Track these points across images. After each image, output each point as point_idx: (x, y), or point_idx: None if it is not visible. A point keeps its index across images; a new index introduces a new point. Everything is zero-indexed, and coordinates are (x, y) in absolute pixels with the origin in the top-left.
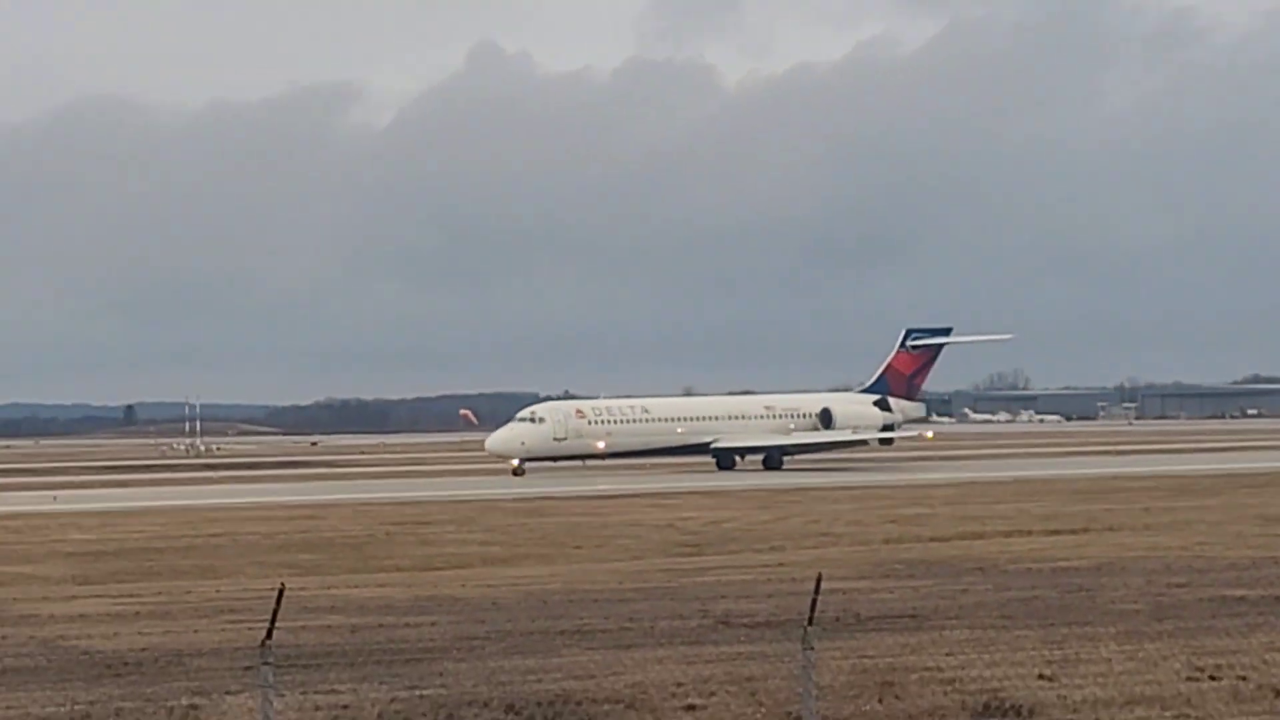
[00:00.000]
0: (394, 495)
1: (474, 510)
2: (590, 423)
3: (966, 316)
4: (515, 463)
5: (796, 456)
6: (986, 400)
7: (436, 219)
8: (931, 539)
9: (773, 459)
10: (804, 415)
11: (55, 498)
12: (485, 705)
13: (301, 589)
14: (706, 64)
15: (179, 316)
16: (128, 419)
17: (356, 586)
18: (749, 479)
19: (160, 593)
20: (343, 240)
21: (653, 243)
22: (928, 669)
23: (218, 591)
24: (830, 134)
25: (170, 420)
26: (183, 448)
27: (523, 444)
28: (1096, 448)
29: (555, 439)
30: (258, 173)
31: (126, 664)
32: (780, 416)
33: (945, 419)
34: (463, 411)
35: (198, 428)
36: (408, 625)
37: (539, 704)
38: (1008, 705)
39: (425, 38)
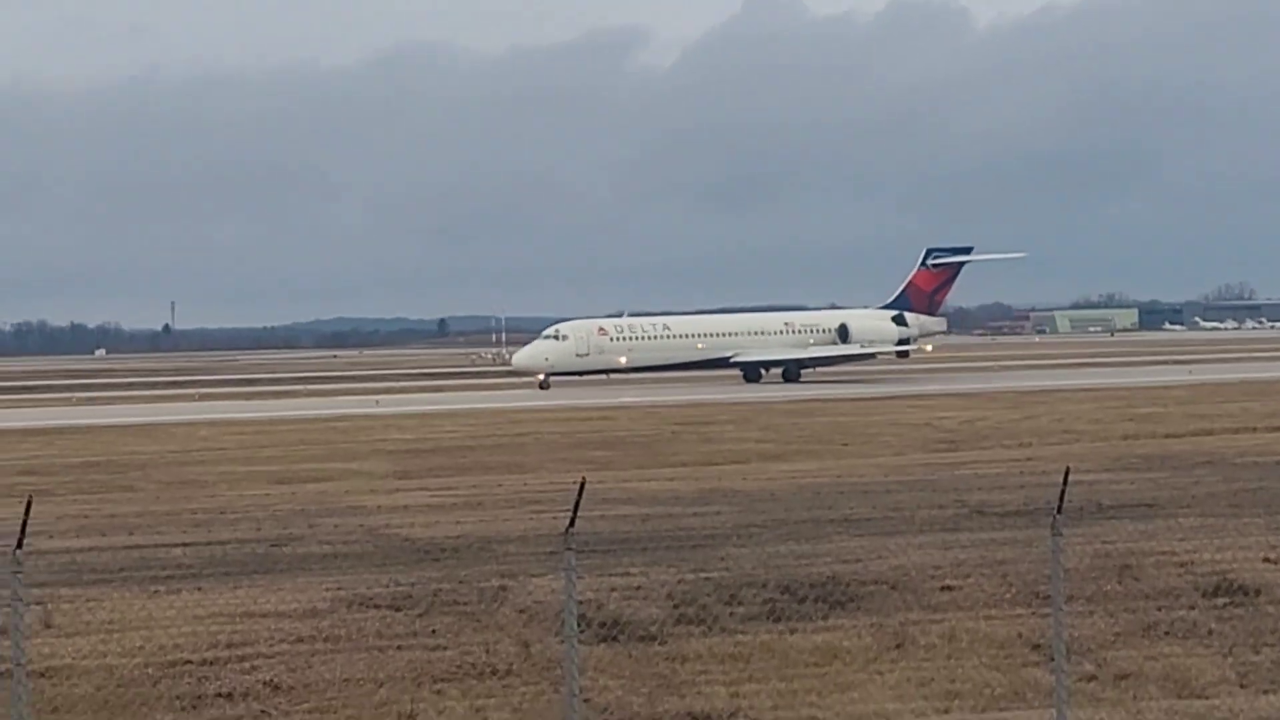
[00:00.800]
0: (679, 399)
1: (750, 411)
2: (612, 339)
3: (1199, 233)
4: (541, 377)
5: (815, 369)
6: (1215, 309)
7: (714, 150)
8: (1166, 435)
9: (790, 372)
10: (824, 330)
11: (378, 401)
12: (763, 586)
13: (599, 482)
14: (960, 6)
15: (486, 238)
16: (441, 331)
17: (646, 480)
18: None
19: (472, 486)
20: (630, 171)
21: (907, 172)
22: (1162, 553)
23: (525, 485)
24: (1073, 72)
25: (478, 332)
26: (490, 356)
27: (546, 359)
28: None
29: (578, 355)
30: (555, 111)
31: (443, 549)
32: (799, 332)
33: (1177, 327)
34: None
35: (503, 338)
36: (693, 515)
37: (811, 585)
38: (1235, 586)
39: None
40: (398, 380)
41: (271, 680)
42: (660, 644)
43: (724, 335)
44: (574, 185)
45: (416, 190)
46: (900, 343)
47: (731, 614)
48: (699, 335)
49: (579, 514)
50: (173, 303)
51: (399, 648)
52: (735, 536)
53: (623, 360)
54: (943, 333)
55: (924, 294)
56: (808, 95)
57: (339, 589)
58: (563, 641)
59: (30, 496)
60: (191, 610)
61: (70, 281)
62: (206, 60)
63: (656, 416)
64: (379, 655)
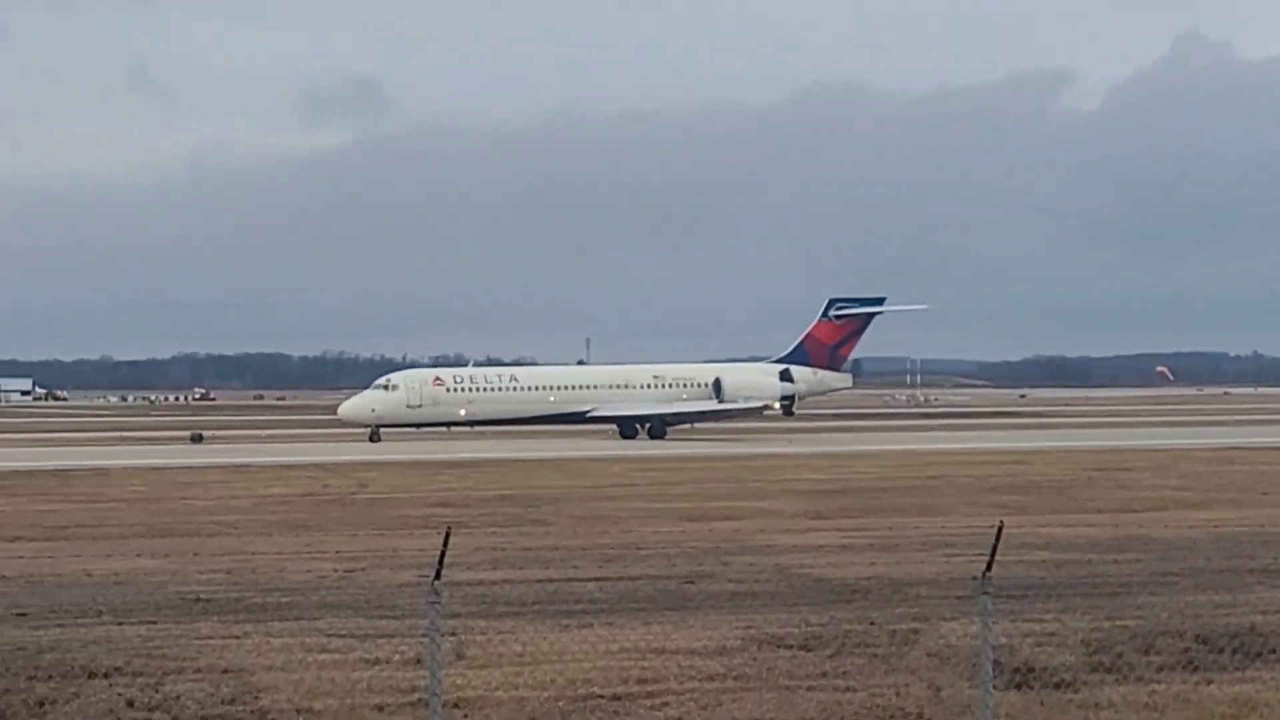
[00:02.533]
0: (1095, 444)
1: (1169, 458)
2: (449, 390)
3: None
4: (370, 430)
5: (680, 426)
6: None
7: (1132, 193)
8: None
9: (655, 428)
10: (698, 385)
11: (790, 441)
12: (1178, 635)
13: (1014, 527)
14: None
15: (900, 280)
16: (854, 372)
17: (1061, 526)
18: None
19: (884, 527)
20: (1046, 211)
21: None
22: None
23: (938, 527)
24: None
25: (892, 373)
26: (903, 398)
27: (373, 411)
28: None
29: (409, 406)
30: (974, 150)
31: (854, 590)
32: (670, 386)
33: None
34: (1160, 369)
35: (917, 380)
36: (1109, 562)
37: (1229, 635)
38: None
39: (1133, 27)
40: (811, 420)
41: (680, 718)
42: (1074, 691)
43: (580, 388)
44: (987, 225)
45: (829, 227)
46: (784, 399)
47: (1147, 663)
48: (551, 387)
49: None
50: (588, 339)
51: (809, 688)
52: (1150, 585)
53: (462, 413)
54: (846, 388)
55: (825, 346)
56: (1236, 135)
57: (749, 627)
58: (975, 686)
59: (449, 528)
60: (603, 645)
61: (487, 316)
62: (629, 97)
63: (1071, 461)
64: (789, 695)
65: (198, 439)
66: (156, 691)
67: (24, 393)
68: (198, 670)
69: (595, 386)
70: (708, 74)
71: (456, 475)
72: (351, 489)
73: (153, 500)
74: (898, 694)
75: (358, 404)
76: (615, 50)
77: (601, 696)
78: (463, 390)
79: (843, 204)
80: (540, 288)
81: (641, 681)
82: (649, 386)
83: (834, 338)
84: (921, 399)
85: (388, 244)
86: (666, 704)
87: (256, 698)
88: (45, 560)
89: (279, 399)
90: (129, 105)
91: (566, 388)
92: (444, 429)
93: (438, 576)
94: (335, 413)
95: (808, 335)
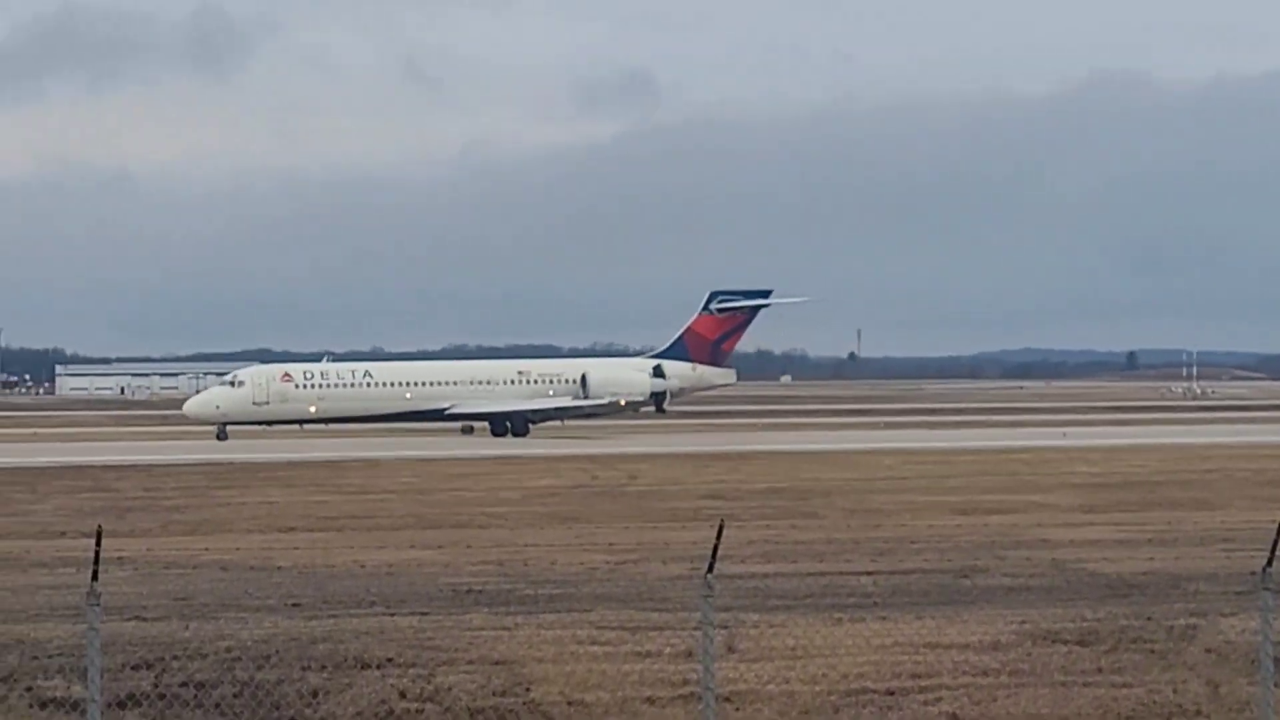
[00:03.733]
0: None
1: None
2: (298, 386)
3: None
4: (216, 427)
5: (547, 424)
6: None
7: None
8: None
9: (515, 425)
10: (567, 380)
11: (1064, 434)
12: None
13: None
14: None
15: (1177, 269)
16: (1130, 364)
17: None
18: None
19: (1160, 522)
20: None
21: None
22: None
23: (1216, 522)
24: None
25: (1169, 365)
26: (1180, 390)
27: (217, 408)
28: None
29: (254, 403)
30: (1256, 139)
31: (1130, 585)
32: (536, 381)
33: None
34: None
35: (1194, 372)
36: None
37: None
38: None
39: None
40: (1085, 413)
41: (954, 713)
42: None
43: (438, 384)
44: (1270, 213)
45: (1107, 220)
46: (654, 394)
47: None
48: (407, 384)
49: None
50: (858, 330)
51: (1084, 684)
52: None
53: (312, 409)
54: (729, 384)
55: (706, 341)
56: None
57: (1024, 622)
58: (1255, 684)
59: (722, 521)
60: (875, 639)
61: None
62: (902, 87)
63: None
64: (1064, 691)
65: (468, 430)
66: (428, 683)
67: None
68: (469, 662)
69: (455, 383)
70: (981, 63)
71: (727, 467)
72: (621, 481)
73: (423, 492)
74: (1175, 691)
75: (203, 400)
76: (888, 40)
77: (874, 691)
78: (313, 386)
79: (1116, 198)
80: (810, 279)
81: (915, 676)
82: (512, 382)
83: (715, 332)
84: (1199, 391)
85: (657, 234)
86: (940, 699)
87: (528, 689)
88: (318, 551)
89: None
90: (403, 97)
91: (424, 384)
92: (296, 426)
93: (710, 570)
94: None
95: (687, 329)
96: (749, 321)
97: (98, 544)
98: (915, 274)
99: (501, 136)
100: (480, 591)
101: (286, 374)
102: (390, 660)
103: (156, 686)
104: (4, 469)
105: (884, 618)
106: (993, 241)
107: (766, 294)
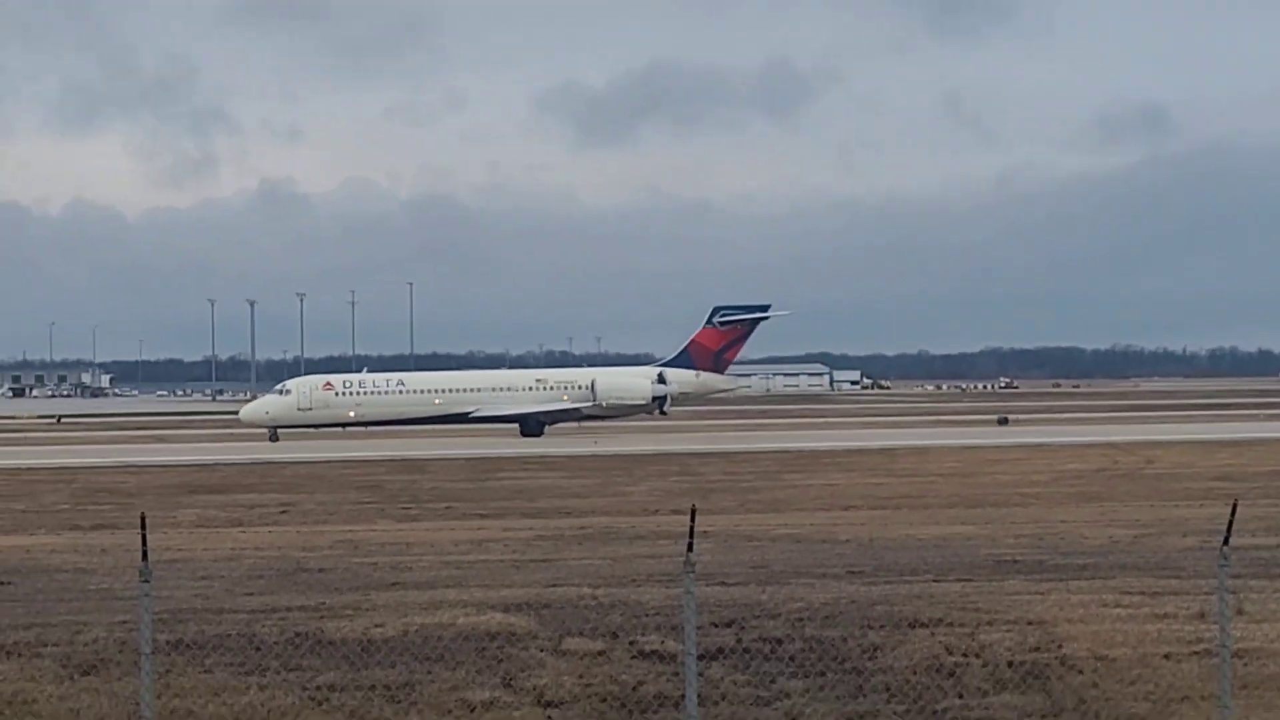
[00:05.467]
0: None
1: None
2: (338, 394)
3: None
4: (268, 431)
5: (560, 425)
6: None
7: None
8: None
9: (529, 426)
10: (579, 387)
11: None
12: None
13: None
14: None
15: None
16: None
17: None
18: None
19: None
20: None
21: None
22: None
23: None
24: None
25: None
26: None
27: (267, 413)
28: None
29: (299, 409)
30: None
31: None
32: (552, 388)
33: None
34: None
35: None
36: None
37: None
38: None
39: None
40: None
41: None
42: None
43: (464, 390)
44: None
45: None
46: (655, 399)
47: None
48: (436, 390)
49: None
50: None
51: None
52: None
53: (351, 414)
54: (731, 390)
55: (709, 352)
56: None
57: None
58: None
59: (1235, 500)
60: None
61: (1264, 309)
62: None
63: None
64: None
65: (1003, 421)
66: (972, 639)
67: (853, 383)
68: (1008, 622)
69: (479, 389)
70: None
71: (1233, 453)
72: (1139, 465)
73: (965, 475)
74: None
75: (256, 408)
76: None
77: None
78: (351, 394)
79: None
80: None
81: None
82: (530, 389)
83: (718, 343)
84: None
85: (1173, 249)
86: None
87: (1059, 646)
88: (875, 526)
89: (1074, 387)
90: (945, 132)
91: (451, 390)
92: (339, 429)
93: (1226, 542)
94: (1130, 399)
95: (692, 341)
96: (749, 334)
97: (692, 520)
98: None
99: (1033, 165)
100: (1017, 561)
101: (328, 383)
102: (939, 620)
103: (739, 641)
104: (607, 457)
105: None
106: None
107: (765, 308)
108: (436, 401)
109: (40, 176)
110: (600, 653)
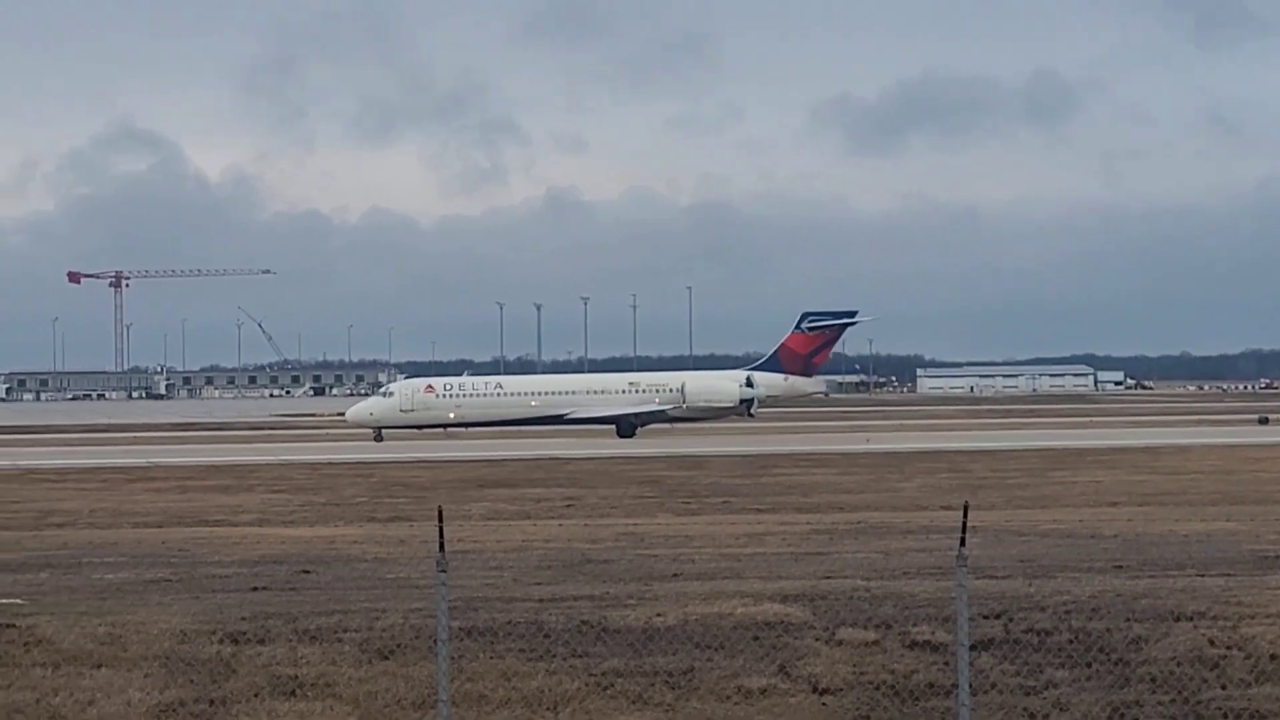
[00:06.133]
0: None
1: None
2: (439, 396)
3: None
4: (373, 431)
5: (652, 426)
6: None
7: None
8: None
9: (622, 427)
10: (671, 390)
11: None
12: None
13: None
14: None
15: None
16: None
17: None
18: None
19: None
20: None
21: None
22: None
23: None
24: None
25: None
26: None
27: (371, 414)
28: None
29: (402, 410)
30: None
31: None
32: (644, 391)
33: None
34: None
35: None
36: None
37: None
38: None
39: None
40: None
41: None
42: None
43: (560, 393)
44: None
45: None
46: (742, 402)
47: None
48: (533, 393)
49: None
50: None
51: None
52: None
53: (451, 415)
54: (821, 393)
55: (799, 356)
56: None
57: None
58: None
59: None
60: None
61: None
62: None
63: None
64: None
65: (1264, 421)
66: (1234, 632)
67: (1116, 383)
68: (1269, 615)
69: (573, 392)
70: None
71: None
72: None
73: (1227, 473)
74: None
75: (361, 409)
76: None
77: None
78: (451, 396)
79: None
80: None
81: None
82: (624, 392)
83: (807, 348)
84: None
85: None
86: None
87: None
88: (1139, 522)
89: None
90: (1207, 141)
91: (547, 393)
92: (440, 430)
93: None
94: None
95: (781, 345)
96: (837, 338)
97: (964, 516)
98: None
99: None
100: (1279, 557)
101: (429, 386)
102: (1201, 613)
103: (1007, 633)
104: (879, 454)
105: None
106: None
107: (853, 314)
108: (533, 404)
109: (340, 187)
110: (873, 642)
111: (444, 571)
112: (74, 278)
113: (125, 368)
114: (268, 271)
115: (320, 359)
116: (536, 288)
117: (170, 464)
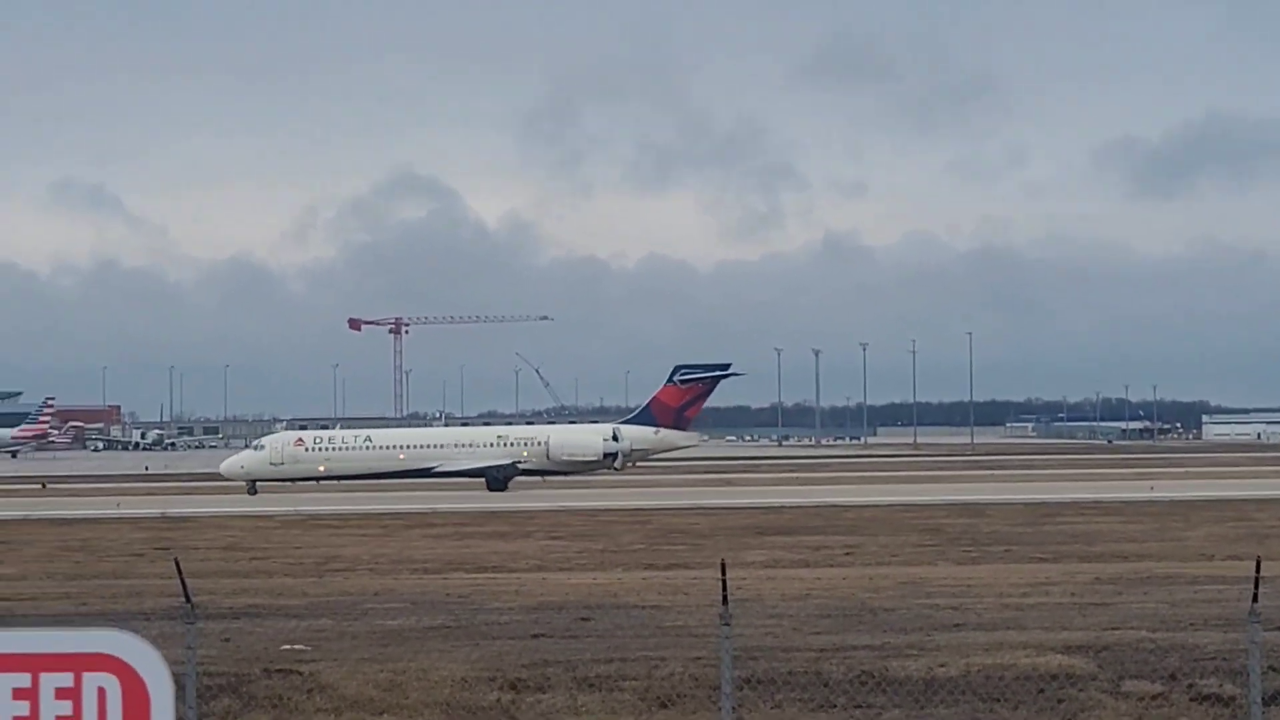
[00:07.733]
0: None
1: None
2: (308, 449)
3: None
4: (247, 484)
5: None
6: None
7: None
8: None
9: (491, 481)
10: (537, 444)
11: None
12: None
13: None
14: None
15: None
16: None
17: None
18: None
19: None
20: None
21: None
22: None
23: None
24: None
25: None
26: None
27: (242, 467)
28: None
29: (272, 464)
30: None
31: None
32: (512, 445)
33: None
34: None
35: None
36: None
37: None
38: None
39: None
40: None
41: None
42: None
43: (427, 447)
44: None
45: None
46: (606, 455)
47: None
48: (401, 446)
49: None
50: None
51: None
52: None
53: (321, 469)
54: (693, 445)
55: (670, 409)
56: None
57: None
58: None
59: None
60: None
61: None
62: None
63: None
64: None
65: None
66: None
67: None
68: None
69: (441, 445)
70: None
71: None
72: None
73: None
74: None
75: (233, 461)
76: None
77: None
78: (320, 450)
79: None
80: None
81: None
82: (492, 445)
83: (679, 400)
84: None
85: None
86: None
87: None
88: None
89: None
90: None
91: (415, 446)
92: (312, 483)
93: None
94: None
95: (653, 399)
96: (710, 391)
97: (1257, 571)
98: None
99: None
100: None
101: (300, 439)
102: None
103: None
104: (1166, 503)
105: None
106: None
107: (726, 367)
108: (401, 457)
109: (617, 232)
110: (1159, 695)
111: (727, 625)
112: (354, 324)
113: (404, 414)
114: (545, 318)
115: (597, 404)
116: (814, 333)
117: (448, 510)
